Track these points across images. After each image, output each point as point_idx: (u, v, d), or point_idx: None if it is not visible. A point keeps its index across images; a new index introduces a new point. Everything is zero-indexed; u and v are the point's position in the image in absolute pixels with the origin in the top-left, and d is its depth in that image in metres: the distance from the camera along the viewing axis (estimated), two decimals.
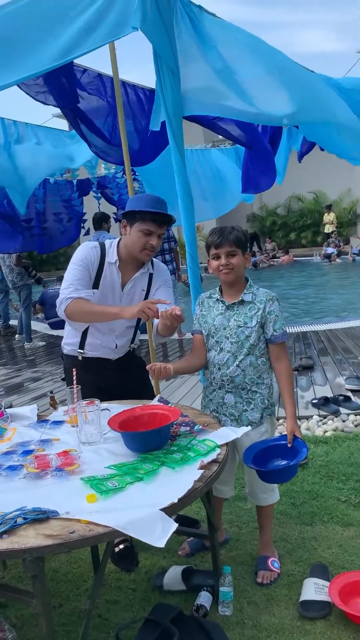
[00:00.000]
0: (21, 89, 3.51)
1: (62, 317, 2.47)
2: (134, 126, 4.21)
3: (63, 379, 2.76)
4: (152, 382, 2.78)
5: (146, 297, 2.61)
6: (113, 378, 2.64)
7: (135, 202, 2.47)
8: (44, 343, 8.47)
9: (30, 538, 1.48)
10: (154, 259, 2.65)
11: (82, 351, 2.61)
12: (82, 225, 6.53)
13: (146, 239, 2.43)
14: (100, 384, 2.60)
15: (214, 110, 3.48)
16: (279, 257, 19.40)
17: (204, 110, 3.30)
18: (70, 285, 2.44)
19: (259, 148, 4.59)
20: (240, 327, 2.34)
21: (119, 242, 2.57)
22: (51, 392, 4.66)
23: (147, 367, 2.26)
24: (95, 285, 2.51)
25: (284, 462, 2.28)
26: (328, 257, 18.05)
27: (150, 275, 2.63)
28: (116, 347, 2.63)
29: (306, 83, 3.49)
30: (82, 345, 2.61)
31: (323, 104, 3.50)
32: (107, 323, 2.55)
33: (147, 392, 2.74)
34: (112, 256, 2.53)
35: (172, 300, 2.52)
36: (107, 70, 3.88)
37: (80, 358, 2.62)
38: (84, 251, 2.52)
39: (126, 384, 2.68)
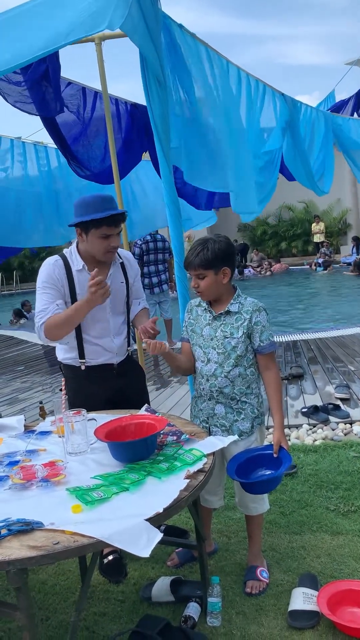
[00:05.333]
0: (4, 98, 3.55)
1: (46, 343, 2.53)
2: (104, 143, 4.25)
3: (61, 390, 2.74)
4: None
5: (127, 288, 2.64)
6: (115, 386, 2.61)
7: (83, 209, 2.40)
8: None
9: (14, 549, 1.47)
10: None
11: (83, 360, 2.56)
12: None
13: (106, 242, 2.42)
14: (107, 394, 2.59)
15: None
16: (269, 267, 19.47)
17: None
18: (39, 313, 2.47)
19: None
20: (227, 337, 2.33)
21: (78, 247, 2.54)
22: (41, 403, 4.63)
23: (142, 339, 2.29)
24: (73, 297, 2.50)
25: (268, 472, 2.27)
26: (326, 266, 18.04)
27: (122, 264, 2.64)
28: (116, 348, 2.60)
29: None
30: (81, 355, 2.57)
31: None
32: (100, 326, 2.55)
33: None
34: (77, 263, 2.51)
35: (142, 293, 2.75)
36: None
37: (83, 368, 2.58)
38: (46, 271, 2.50)
39: (126, 392, 2.64)
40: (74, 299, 2.49)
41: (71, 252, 2.55)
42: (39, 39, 2.59)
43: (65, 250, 2.58)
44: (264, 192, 4.58)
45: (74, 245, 2.57)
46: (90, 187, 5.97)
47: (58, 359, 2.67)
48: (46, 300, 2.47)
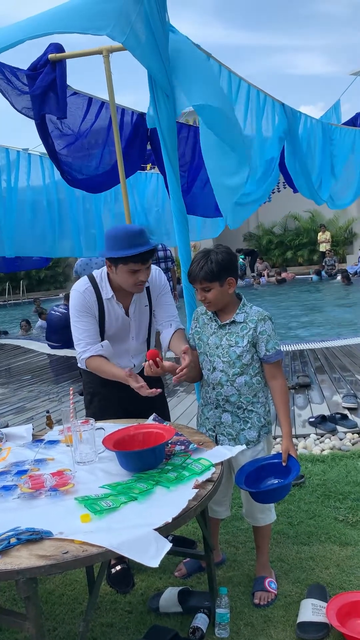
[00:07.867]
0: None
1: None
2: (101, 152, 4.30)
3: (81, 394, 2.76)
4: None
5: (150, 310, 2.64)
6: (135, 395, 2.49)
7: (112, 242, 2.37)
8: None
9: (23, 559, 1.47)
10: None
11: None
12: None
13: (135, 276, 2.40)
14: (127, 403, 2.60)
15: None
16: (272, 277, 19.44)
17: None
18: (80, 342, 2.50)
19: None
20: (232, 346, 2.34)
21: (109, 275, 2.53)
22: (47, 412, 4.64)
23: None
24: (101, 321, 2.52)
25: (276, 481, 2.27)
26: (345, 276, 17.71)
27: (147, 288, 2.63)
28: (134, 367, 2.61)
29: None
30: None
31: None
32: (122, 348, 2.59)
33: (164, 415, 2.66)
34: (107, 292, 2.51)
35: (173, 303, 2.69)
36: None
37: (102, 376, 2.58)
38: (79, 299, 2.49)
39: (145, 402, 2.57)
40: (102, 325, 2.53)
41: (101, 278, 2.53)
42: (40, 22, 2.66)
43: (95, 273, 2.56)
44: (251, 200, 4.56)
45: (104, 271, 2.54)
46: (98, 198, 6.02)
47: (78, 365, 2.68)
48: (84, 329, 2.49)
